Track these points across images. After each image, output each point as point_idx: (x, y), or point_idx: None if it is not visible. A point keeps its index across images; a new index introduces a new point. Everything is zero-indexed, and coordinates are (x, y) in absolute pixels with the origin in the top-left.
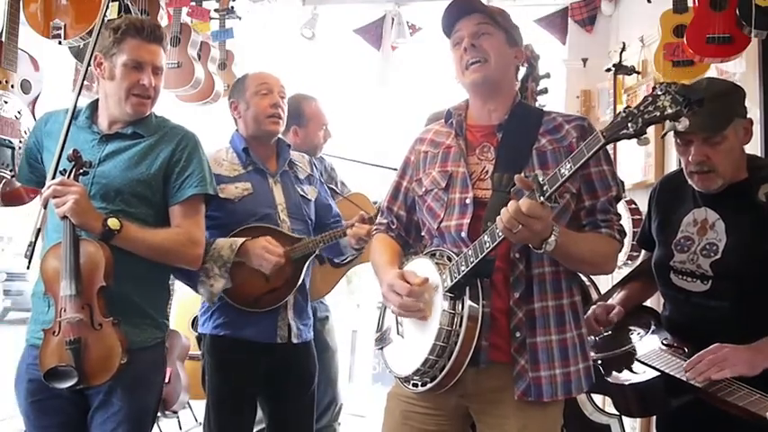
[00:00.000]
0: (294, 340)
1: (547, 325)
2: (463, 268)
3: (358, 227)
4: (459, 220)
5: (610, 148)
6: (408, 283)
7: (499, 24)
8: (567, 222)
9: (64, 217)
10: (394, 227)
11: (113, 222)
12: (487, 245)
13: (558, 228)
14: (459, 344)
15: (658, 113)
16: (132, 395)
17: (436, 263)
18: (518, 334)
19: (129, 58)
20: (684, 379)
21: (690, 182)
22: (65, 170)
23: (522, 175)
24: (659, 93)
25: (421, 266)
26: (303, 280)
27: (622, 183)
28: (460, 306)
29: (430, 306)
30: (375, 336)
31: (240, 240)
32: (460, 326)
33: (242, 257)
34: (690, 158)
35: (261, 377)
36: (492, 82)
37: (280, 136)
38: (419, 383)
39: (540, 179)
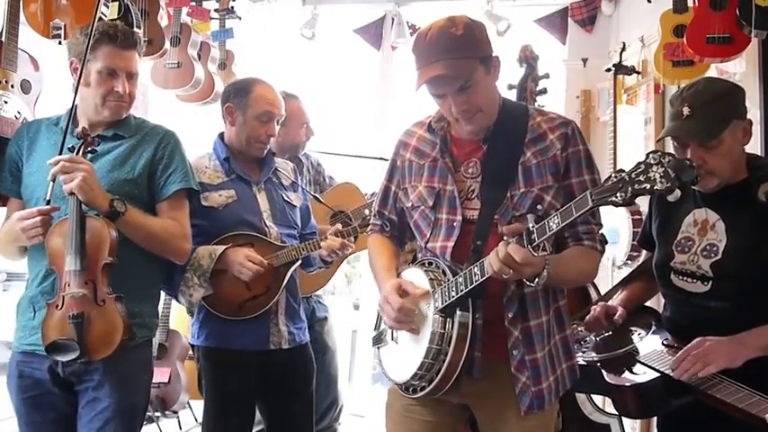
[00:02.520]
0: (288, 345)
1: (542, 340)
2: (453, 294)
3: (332, 239)
4: (445, 242)
5: (610, 147)
6: (405, 292)
7: (470, 56)
8: None
9: (71, 193)
10: (388, 229)
11: (119, 204)
12: (477, 277)
13: (550, 261)
14: (446, 362)
15: (648, 186)
16: (120, 392)
17: (430, 278)
18: (515, 352)
19: (103, 65)
20: (675, 376)
21: None
22: (73, 147)
23: (509, 193)
24: (652, 162)
25: (414, 279)
26: (291, 284)
27: None
28: (450, 326)
29: (422, 320)
30: (373, 334)
31: (220, 249)
32: (449, 344)
33: (223, 266)
34: None
35: (256, 381)
36: (487, 122)
37: None
38: (412, 389)
39: (530, 226)
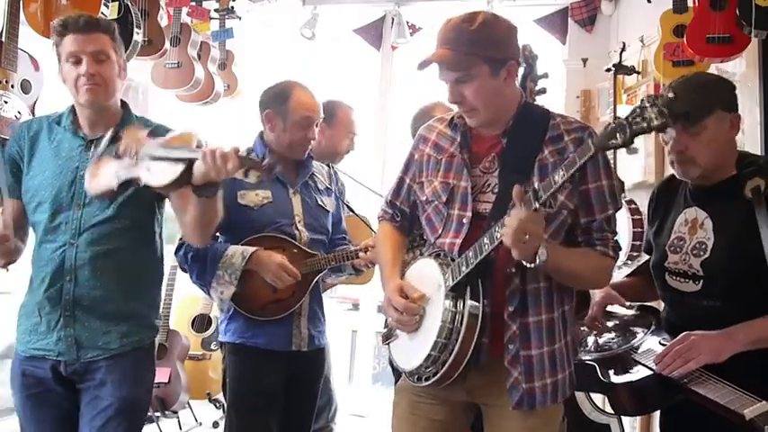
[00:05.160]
0: (306, 348)
1: (540, 338)
2: (464, 269)
3: (373, 253)
4: (453, 239)
5: None
6: (406, 296)
7: (474, 53)
8: (563, 238)
9: None
10: (398, 219)
11: None
12: (486, 246)
13: (544, 243)
14: (459, 341)
15: (645, 125)
16: (123, 391)
17: (440, 263)
18: (511, 347)
19: (68, 53)
20: (657, 371)
21: (673, 170)
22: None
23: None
24: (647, 104)
25: (426, 267)
26: (315, 288)
27: (622, 183)
28: (461, 305)
29: (432, 305)
30: (383, 332)
31: (251, 249)
32: (461, 323)
33: (253, 267)
34: (669, 148)
35: (279, 381)
36: (488, 121)
37: None
38: (422, 378)
39: (536, 185)
